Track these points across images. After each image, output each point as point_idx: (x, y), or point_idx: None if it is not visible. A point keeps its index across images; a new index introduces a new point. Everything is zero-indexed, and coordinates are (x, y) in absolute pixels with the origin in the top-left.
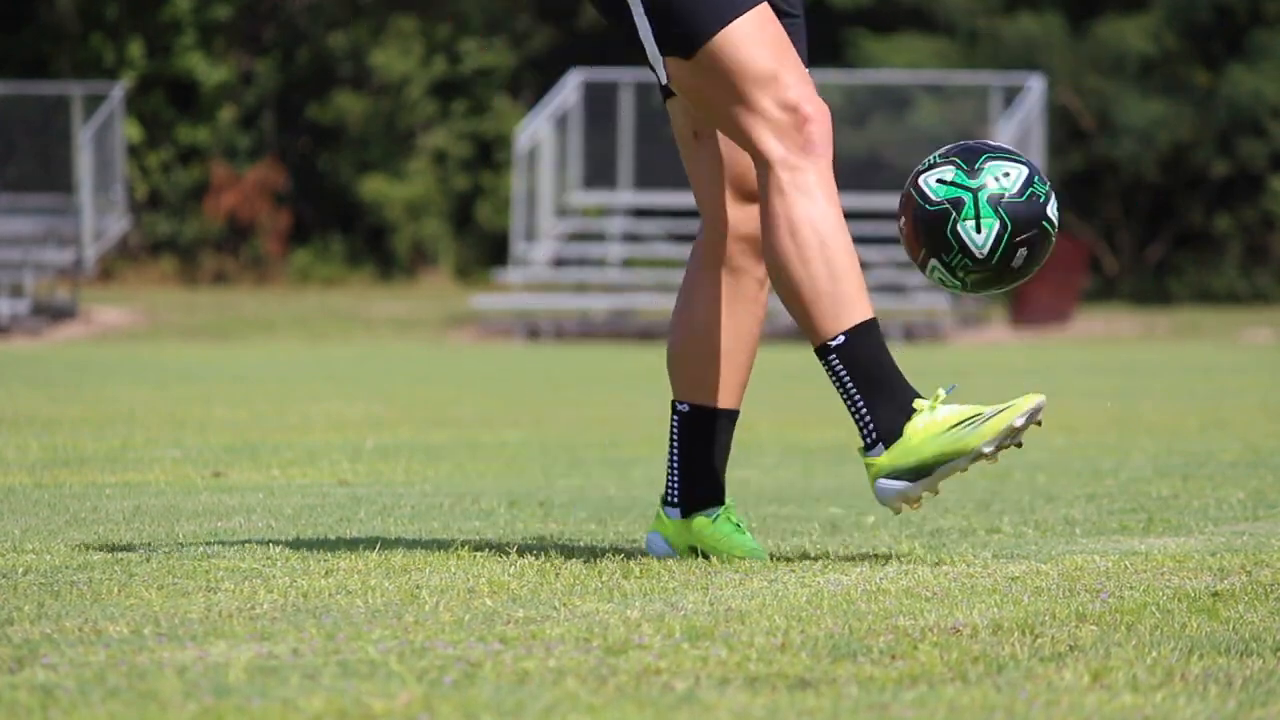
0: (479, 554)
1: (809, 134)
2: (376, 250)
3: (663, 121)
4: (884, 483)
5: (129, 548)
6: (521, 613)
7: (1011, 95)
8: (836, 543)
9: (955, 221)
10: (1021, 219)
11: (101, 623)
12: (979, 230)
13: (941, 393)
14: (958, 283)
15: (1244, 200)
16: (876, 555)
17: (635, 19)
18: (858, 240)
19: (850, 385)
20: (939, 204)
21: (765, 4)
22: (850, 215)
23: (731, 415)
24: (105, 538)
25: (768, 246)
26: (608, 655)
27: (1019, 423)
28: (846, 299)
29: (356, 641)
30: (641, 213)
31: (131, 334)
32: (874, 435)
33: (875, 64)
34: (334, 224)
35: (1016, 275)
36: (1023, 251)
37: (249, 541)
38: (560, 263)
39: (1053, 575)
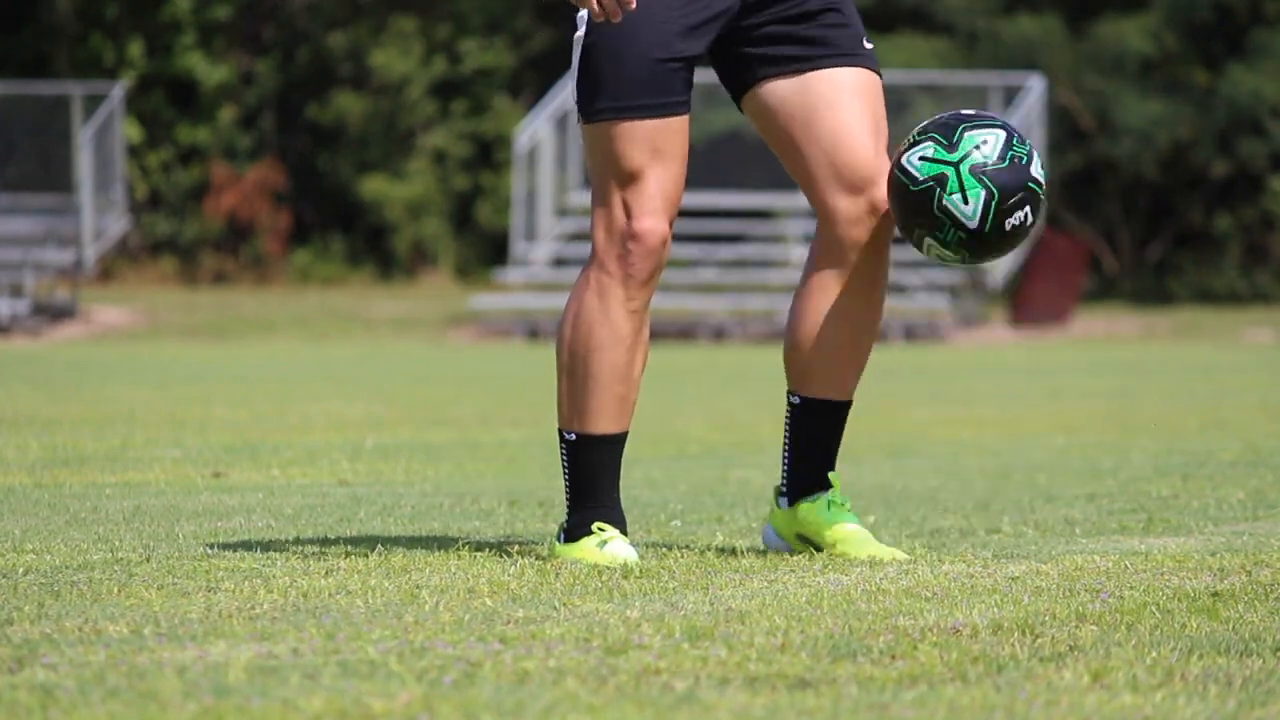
0: (479, 554)
1: (630, 251)
2: (376, 250)
3: None
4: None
5: (129, 548)
6: (521, 613)
7: (1011, 95)
8: None
9: (941, 197)
10: (1008, 185)
11: (101, 623)
12: (966, 201)
13: (612, 533)
14: (957, 257)
15: (1244, 200)
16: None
17: (573, 61)
18: None
19: (566, 474)
20: (924, 182)
21: (673, 120)
22: None
23: (842, 406)
24: (105, 538)
25: (564, 313)
26: (608, 655)
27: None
28: (588, 410)
29: (356, 641)
30: None
31: (131, 334)
32: (564, 524)
33: None
34: (334, 224)
35: (1015, 238)
36: (1019, 215)
37: (249, 541)
38: (560, 262)
39: (1053, 575)
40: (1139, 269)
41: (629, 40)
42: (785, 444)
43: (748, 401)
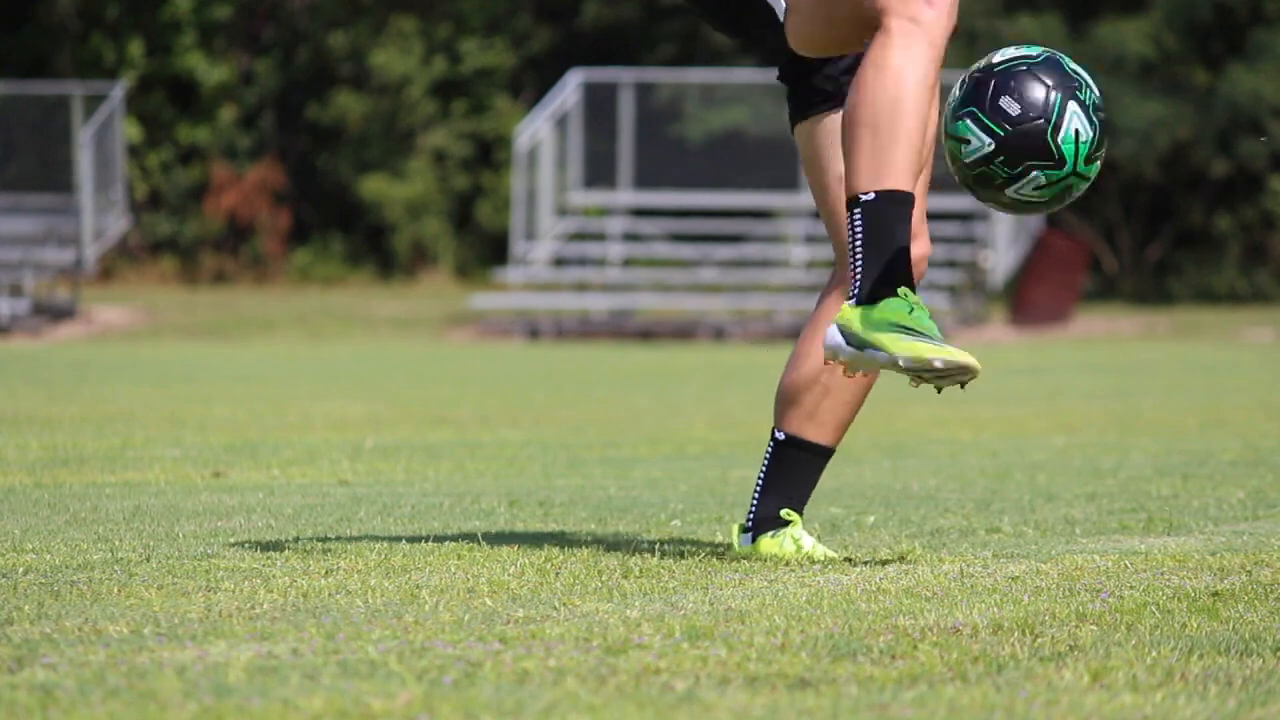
0: (479, 554)
1: (935, 3)
2: (376, 250)
3: (663, 121)
4: (832, 331)
5: (129, 548)
6: (521, 613)
7: None
8: (837, 543)
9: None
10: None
11: (101, 623)
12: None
13: (918, 297)
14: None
15: (1244, 200)
16: (876, 555)
17: None
18: None
19: (859, 239)
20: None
21: None
22: None
23: (827, 452)
24: (105, 538)
25: (856, 76)
26: (608, 655)
27: (937, 364)
28: (892, 164)
29: (356, 641)
30: (641, 213)
31: (131, 334)
32: (856, 289)
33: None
34: (334, 224)
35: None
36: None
37: (249, 541)
38: (560, 262)
39: (1053, 575)
40: (1139, 269)
41: None
42: (759, 480)
43: (748, 401)
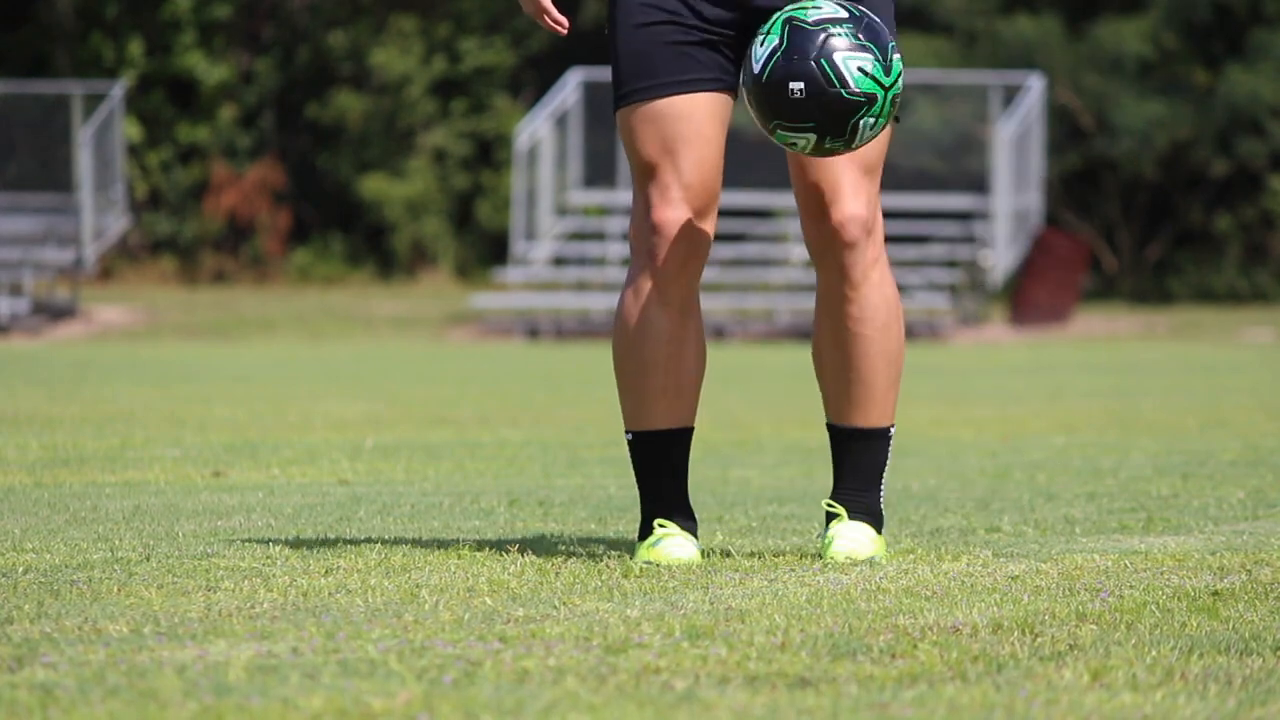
0: (479, 554)
1: (654, 243)
2: (376, 249)
3: None
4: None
5: (129, 547)
6: (521, 612)
7: (1011, 95)
8: None
9: (863, 115)
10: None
11: (101, 622)
12: (873, 128)
13: (670, 529)
14: (804, 151)
15: (1244, 199)
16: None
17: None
18: None
19: (635, 475)
20: (856, 95)
21: (677, 99)
22: None
23: (856, 434)
24: (105, 537)
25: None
26: (608, 654)
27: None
28: (642, 407)
29: (356, 641)
30: None
31: (131, 333)
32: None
33: None
34: (334, 223)
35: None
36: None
37: (249, 541)
38: (560, 262)
39: (1053, 575)
40: (1139, 269)
41: (619, 22)
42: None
43: (748, 401)
